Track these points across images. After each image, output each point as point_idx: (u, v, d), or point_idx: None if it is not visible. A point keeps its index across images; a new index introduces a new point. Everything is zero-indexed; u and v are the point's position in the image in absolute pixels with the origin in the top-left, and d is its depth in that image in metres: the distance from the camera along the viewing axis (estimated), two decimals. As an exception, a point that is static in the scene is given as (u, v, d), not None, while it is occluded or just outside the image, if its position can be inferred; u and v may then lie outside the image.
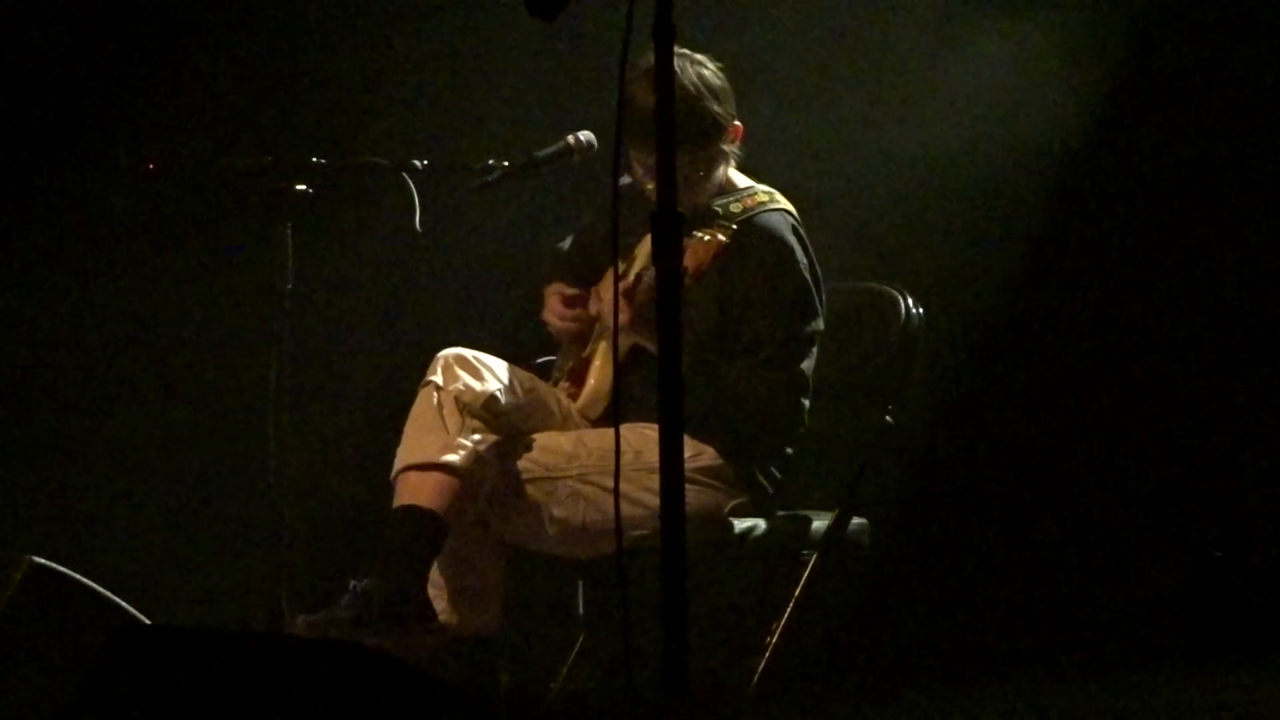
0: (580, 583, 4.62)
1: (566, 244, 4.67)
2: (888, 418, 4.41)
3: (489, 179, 4.53)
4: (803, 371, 4.26)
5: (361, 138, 5.32)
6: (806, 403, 4.27)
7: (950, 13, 5.39)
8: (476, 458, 4.14)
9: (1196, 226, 5.31)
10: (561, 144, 4.48)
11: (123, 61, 5.43)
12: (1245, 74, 5.29)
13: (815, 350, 4.29)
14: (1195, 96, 5.31)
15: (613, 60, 3.16)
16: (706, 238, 4.09)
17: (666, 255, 2.98)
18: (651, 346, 4.14)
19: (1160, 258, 5.33)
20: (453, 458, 4.13)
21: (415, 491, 4.13)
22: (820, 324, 4.30)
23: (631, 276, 4.26)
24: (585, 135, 4.48)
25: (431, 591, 4.22)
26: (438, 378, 4.22)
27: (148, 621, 3.97)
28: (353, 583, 4.09)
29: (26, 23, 5.41)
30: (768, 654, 4.26)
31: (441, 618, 4.23)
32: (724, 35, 5.28)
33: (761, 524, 4.30)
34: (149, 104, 5.42)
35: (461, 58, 5.50)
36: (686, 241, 4.00)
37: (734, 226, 4.14)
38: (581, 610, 4.65)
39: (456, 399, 4.18)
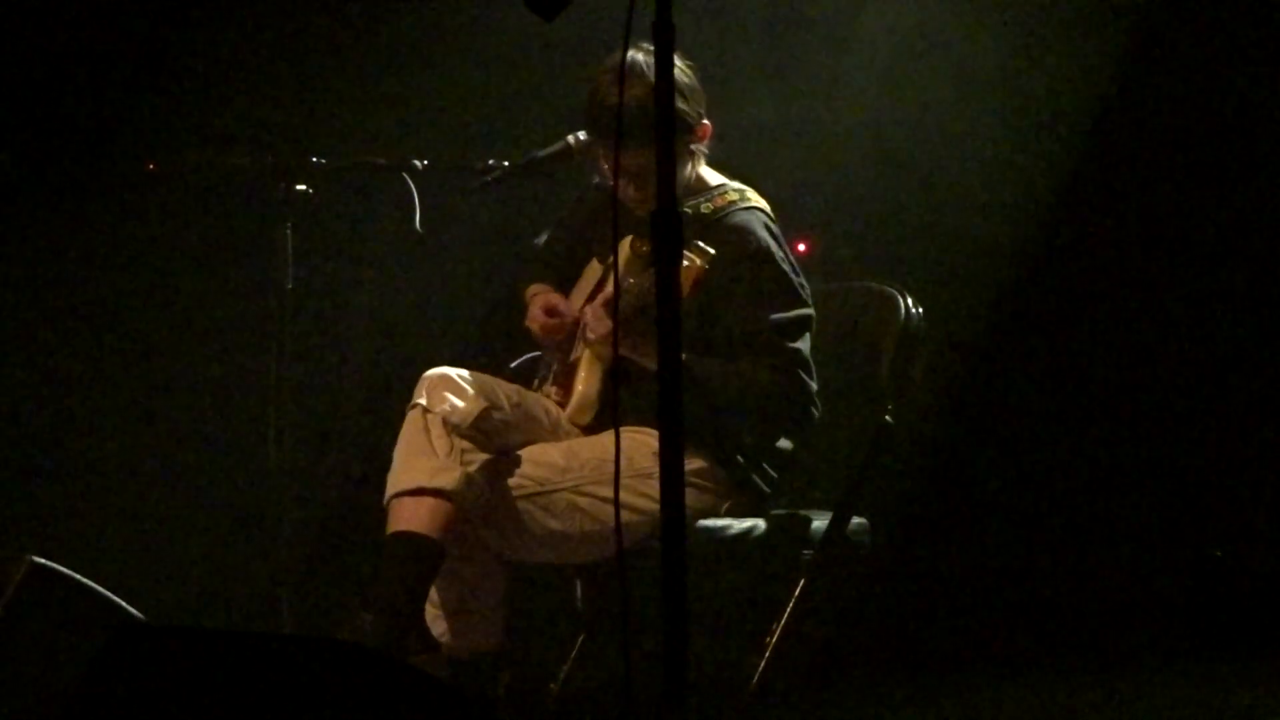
0: (580, 583, 4.62)
1: (543, 240, 4.66)
2: (888, 418, 4.40)
3: (489, 179, 4.53)
4: (798, 349, 4.23)
5: (361, 138, 5.32)
6: (814, 383, 4.25)
7: (951, 13, 5.40)
8: (468, 479, 4.11)
9: (1198, 225, 5.32)
10: (561, 144, 4.47)
11: (123, 61, 5.43)
12: (1246, 68, 5.29)
13: (808, 335, 4.27)
14: (1197, 91, 5.31)
15: (612, 54, 3.16)
16: (686, 263, 4.00)
17: (666, 259, 2.97)
18: (637, 358, 4.11)
19: (1161, 257, 5.33)
20: (444, 481, 4.09)
21: (409, 518, 4.09)
22: (808, 310, 4.27)
23: (610, 285, 4.21)
24: (585, 135, 4.47)
25: (431, 613, 4.20)
26: (423, 400, 4.18)
27: (148, 621, 3.97)
28: (350, 613, 4.07)
29: (27, 23, 5.41)
30: (768, 654, 4.26)
31: (442, 639, 4.21)
32: (720, 32, 5.29)
33: (761, 524, 4.30)
34: (149, 104, 5.42)
35: (461, 58, 5.50)
36: None
37: (713, 251, 4.06)
38: (581, 610, 4.64)
39: (444, 420, 4.14)
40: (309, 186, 4.52)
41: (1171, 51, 5.32)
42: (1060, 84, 5.35)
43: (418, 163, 4.56)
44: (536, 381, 4.50)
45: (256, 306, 4.83)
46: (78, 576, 3.97)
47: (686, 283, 4.01)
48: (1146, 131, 5.35)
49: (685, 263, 4.00)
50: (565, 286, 4.56)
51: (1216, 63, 5.30)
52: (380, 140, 5.28)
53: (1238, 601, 5.03)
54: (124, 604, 3.97)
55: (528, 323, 4.51)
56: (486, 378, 4.28)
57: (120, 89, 5.43)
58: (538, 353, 4.61)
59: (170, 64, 5.46)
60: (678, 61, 4.25)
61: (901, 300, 4.50)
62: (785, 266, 4.27)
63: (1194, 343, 5.30)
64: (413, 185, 4.52)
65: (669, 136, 3.00)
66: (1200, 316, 5.30)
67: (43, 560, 3.95)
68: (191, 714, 2.93)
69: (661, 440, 2.95)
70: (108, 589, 3.99)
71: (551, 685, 4.61)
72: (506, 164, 4.53)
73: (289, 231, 4.50)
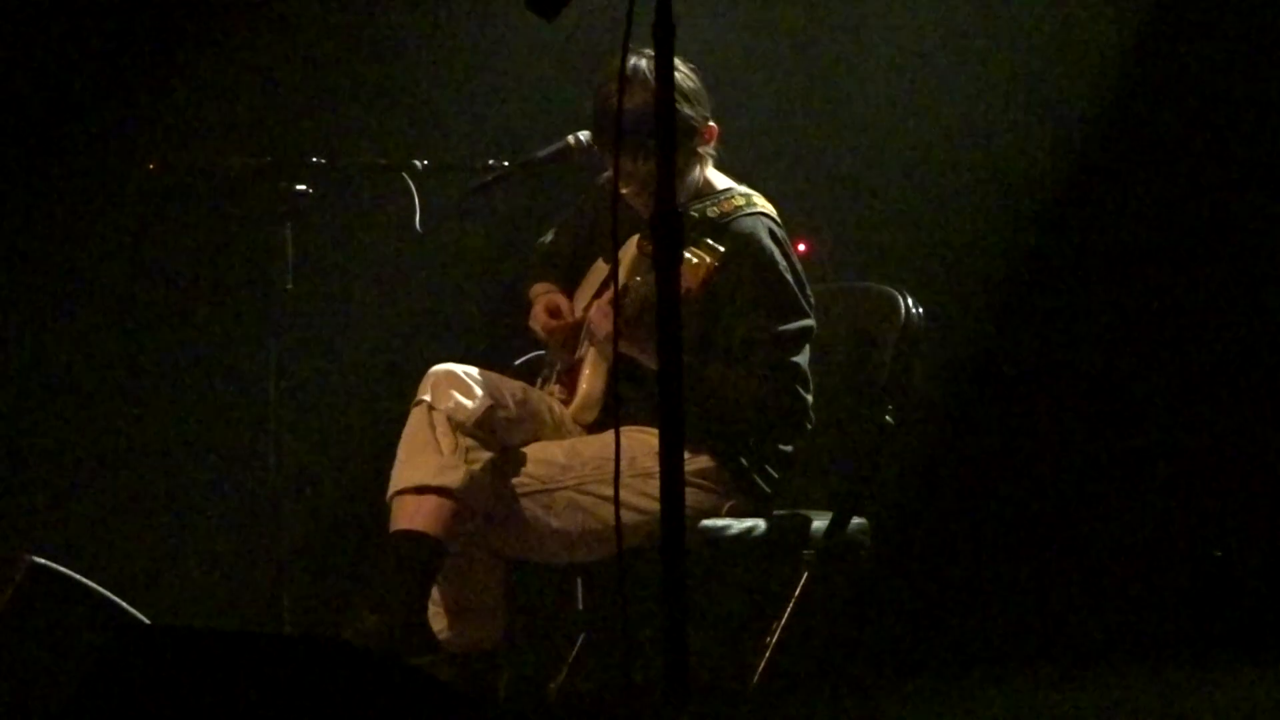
0: (580, 582, 4.62)
1: (549, 238, 4.66)
2: (888, 418, 4.40)
3: (488, 179, 4.53)
4: (797, 364, 4.23)
5: (361, 138, 5.32)
6: (809, 396, 4.25)
7: (950, 13, 5.40)
8: (472, 477, 4.10)
9: (1198, 226, 5.31)
10: (561, 144, 4.47)
11: (123, 62, 5.43)
12: (1251, 67, 5.29)
13: (808, 347, 4.27)
14: (1199, 90, 5.31)
15: (612, 60, 3.16)
16: (695, 260, 4.00)
17: (666, 260, 2.97)
18: (640, 357, 4.11)
19: (1161, 256, 5.33)
20: (448, 479, 4.09)
21: (412, 515, 4.09)
22: (809, 321, 4.27)
23: (618, 286, 4.22)
24: (585, 135, 4.47)
25: (431, 610, 4.20)
26: (428, 397, 4.17)
27: (148, 621, 3.97)
28: (352, 613, 4.07)
29: (27, 23, 5.41)
30: (768, 654, 4.26)
31: (442, 636, 4.20)
32: (716, 34, 5.29)
33: (761, 524, 4.29)
34: (149, 104, 5.42)
35: (461, 57, 5.50)
36: None
37: (722, 249, 4.06)
38: (581, 610, 4.65)
39: (449, 418, 4.14)
40: (309, 186, 4.52)
41: (1174, 50, 5.32)
42: (1061, 83, 5.35)
43: (418, 163, 4.56)
44: (540, 380, 4.51)
45: (256, 306, 4.83)
46: (78, 576, 3.97)
47: (695, 279, 4.00)
48: (1147, 131, 5.34)
49: (694, 260, 4.00)
50: (571, 286, 4.56)
51: (1219, 61, 5.29)
52: (380, 140, 5.28)
53: (1238, 601, 5.04)
54: (124, 604, 3.97)
55: (530, 322, 4.51)
56: (491, 375, 4.28)
57: (120, 89, 5.43)
58: (542, 352, 4.61)
59: (170, 64, 5.46)
60: (680, 66, 4.23)
61: (901, 300, 4.50)
62: (789, 275, 4.26)
63: (1194, 342, 5.30)
64: (413, 185, 4.53)
65: (669, 136, 3.00)
66: (1201, 316, 5.30)
67: (43, 560, 3.96)
68: (191, 714, 2.93)
69: (662, 440, 2.95)
70: (108, 589, 3.99)
71: (551, 685, 4.62)
72: (506, 164, 4.53)
73: (289, 231, 4.50)
